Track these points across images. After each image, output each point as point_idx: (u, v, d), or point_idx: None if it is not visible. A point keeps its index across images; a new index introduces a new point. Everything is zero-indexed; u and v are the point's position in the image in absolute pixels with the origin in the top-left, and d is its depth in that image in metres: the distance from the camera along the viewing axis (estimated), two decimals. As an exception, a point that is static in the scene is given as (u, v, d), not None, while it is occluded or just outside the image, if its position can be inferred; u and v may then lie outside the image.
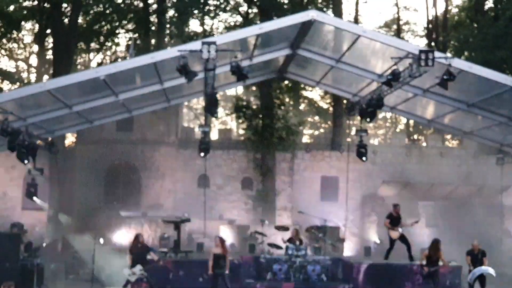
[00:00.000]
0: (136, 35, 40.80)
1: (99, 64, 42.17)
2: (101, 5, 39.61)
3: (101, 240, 24.13)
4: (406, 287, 21.96)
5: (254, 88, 36.62)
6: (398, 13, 51.82)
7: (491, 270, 19.46)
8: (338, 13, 39.12)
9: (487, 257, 19.69)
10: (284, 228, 24.83)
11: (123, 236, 28.82)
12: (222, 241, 20.53)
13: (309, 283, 21.73)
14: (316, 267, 22.11)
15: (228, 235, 29.24)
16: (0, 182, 31.79)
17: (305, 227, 25.76)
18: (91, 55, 47.04)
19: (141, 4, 39.95)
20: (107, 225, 29.42)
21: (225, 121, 55.84)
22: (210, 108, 19.23)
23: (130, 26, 42.85)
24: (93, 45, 43.42)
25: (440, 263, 20.14)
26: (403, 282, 22.07)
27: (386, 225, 22.54)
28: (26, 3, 40.99)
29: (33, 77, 45.49)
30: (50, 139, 23.44)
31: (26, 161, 20.46)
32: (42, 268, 21.72)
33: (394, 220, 22.34)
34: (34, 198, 22.07)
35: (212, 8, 40.24)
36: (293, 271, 21.94)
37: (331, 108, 44.11)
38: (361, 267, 22.45)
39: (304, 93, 47.10)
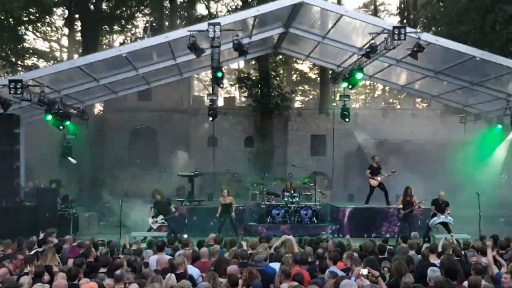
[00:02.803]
0: (152, 18, 40.45)
1: (121, 44, 41.81)
2: (121, -8, 39.29)
3: (127, 192, 24.24)
4: (384, 227, 22.18)
5: (253, 62, 36.43)
6: (375, -5, 51.45)
7: (449, 219, 19.58)
8: (323, -4, 38.70)
9: (449, 207, 19.80)
10: (280, 180, 24.92)
11: (145, 188, 28.92)
12: (228, 192, 20.82)
13: (302, 225, 21.95)
14: (308, 211, 22.27)
15: (233, 186, 29.36)
16: (40, 145, 31.74)
17: (298, 178, 25.83)
18: (114, 36, 46.81)
19: (155, -9, 39.62)
20: (131, 180, 29.52)
21: (229, 90, 55.64)
22: (217, 80, 19.18)
23: (146, 11, 42.52)
24: (115, 27, 43.08)
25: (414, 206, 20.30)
26: (381, 223, 22.31)
27: (367, 175, 22.62)
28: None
29: (65, 56, 45.27)
30: (81, 108, 23.40)
31: (61, 127, 20.47)
32: (77, 217, 21.89)
33: (374, 170, 22.44)
34: (69, 158, 22.12)
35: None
36: (288, 215, 22.13)
37: (318, 78, 44.00)
38: (346, 210, 22.65)
39: (296, 65, 46.95)
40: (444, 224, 19.65)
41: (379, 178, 22.36)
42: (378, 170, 22.43)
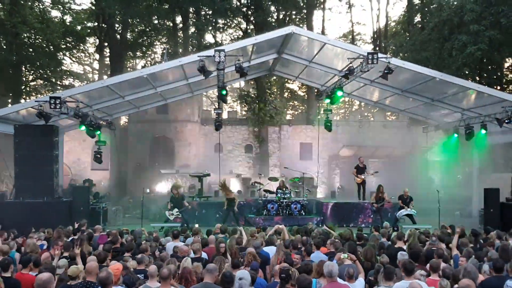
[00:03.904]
0: (168, 46, 40.49)
1: (143, 67, 41.89)
2: (143, 25, 39.30)
3: (148, 190, 24.21)
4: (360, 219, 22.14)
5: (252, 82, 36.49)
6: (352, 26, 51.46)
7: (413, 211, 19.62)
8: (310, 27, 38.93)
9: (413, 201, 19.81)
10: (274, 179, 24.91)
11: (162, 187, 28.95)
12: (230, 190, 21.03)
13: (292, 216, 21.89)
14: (297, 205, 22.22)
15: (236, 185, 29.39)
16: (75, 151, 31.77)
17: (289, 178, 25.84)
18: (137, 60, 46.78)
19: (171, 24, 39.60)
20: (151, 180, 29.51)
21: (232, 105, 55.59)
22: (222, 97, 19.22)
23: (163, 40, 42.56)
24: (138, 53, 43.12)
25: (385, 201, 20.33)
26: (357, 215, 22.25)
27: (353, 173, 22.51)
28: (89, 24, 40.69)
29: (96, 77, 45.27)
30: (109, 120, 23.41)
31: (94, 136, 20.48)
32: (106, 210, 21.84)
33: (359, 169, 22.38)
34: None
35: (221, 26, 39.99)
36: (281, 208, 22.09)
37: (306, 95, 44.07)
38: (328, 205, 22.62)
39: (287, 85, 46.96)
40: (409, 216, 19.68)
41: (362, 176, 22.33)
42: (363, 169, 22.40)
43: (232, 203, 20.50)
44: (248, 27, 38.33)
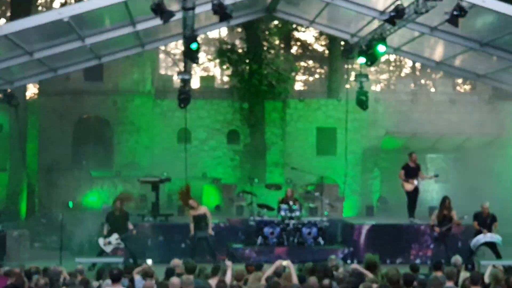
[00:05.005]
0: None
1: (62, 4, 41.58)
2: None
3: (70, 204, 24.20)
4: (413, 250, 22.19)
5: (239, 29, 36.42)
6: None
7: (497, 238, 19.56)
8: None
9: (497, 222, 19.75)
10: (276, 187, 24.93)
11: (94, 198, 28.91)
12: (196, 202, 20.89)
13: (305, 247, 21.91)
14: (312, 229, 22.26)
15: (212, 196, 29.40)
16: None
17: (299, 185, 25.87)
18: (53, -6, 46.60)
19: None
20: (76, 187, 29.45)
21: (208, 67, 55.53)
22: (190, 53, 19.15)
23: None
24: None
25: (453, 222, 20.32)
26: (409, 244, 22.28)
27: (400, 177, 22.46)
28: None
29: (-14, 21, 45.08)
30: (9, 90, 23.28)
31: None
32: (3, 236, 21.75)
33: (410, 171, 22.30)
34: None
35: None
36: (286, 235, 22.09)
37: (327, 51, 43.98)
38: (363, 228, 22.64)
39: (296, 34, 46.90)
40: (491, 245, 19.69)
41: (415, 182, 22.25)
42: (416, 171, 22.36)
43: (201, 224, 20.38)
44: None
